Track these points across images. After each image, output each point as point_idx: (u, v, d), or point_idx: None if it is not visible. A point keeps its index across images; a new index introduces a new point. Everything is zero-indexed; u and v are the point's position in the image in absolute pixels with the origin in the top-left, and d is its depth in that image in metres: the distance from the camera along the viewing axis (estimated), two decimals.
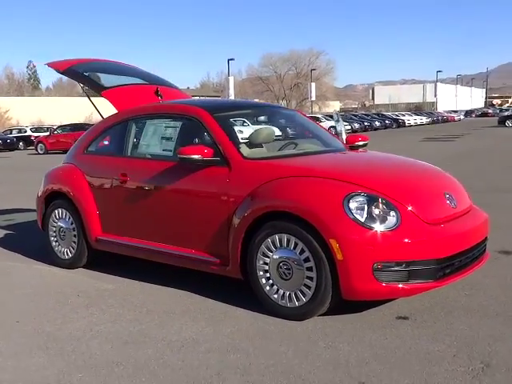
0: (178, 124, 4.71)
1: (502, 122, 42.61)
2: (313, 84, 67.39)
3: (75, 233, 5.24)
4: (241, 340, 3.47)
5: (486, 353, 3.16)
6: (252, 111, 5.14)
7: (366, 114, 48.79)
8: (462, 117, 68.66)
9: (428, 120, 55.84)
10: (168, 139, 4.71)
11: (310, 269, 3.63)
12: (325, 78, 79.73)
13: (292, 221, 3.67)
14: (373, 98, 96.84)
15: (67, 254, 5.35)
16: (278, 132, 5.12)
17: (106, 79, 5.69)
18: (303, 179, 3.83)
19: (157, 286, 4.68)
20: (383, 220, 3.53)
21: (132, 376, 3.06)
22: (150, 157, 4.78)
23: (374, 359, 3.13)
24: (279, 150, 4.89)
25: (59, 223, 5.39)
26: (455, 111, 73.35)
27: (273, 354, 3.25)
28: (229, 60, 55.60)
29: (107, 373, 3.11)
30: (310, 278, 3.63)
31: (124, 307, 4.21)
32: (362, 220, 3.50)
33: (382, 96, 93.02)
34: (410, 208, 3.64)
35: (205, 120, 4.41)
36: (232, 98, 56.36)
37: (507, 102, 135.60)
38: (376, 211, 3.55)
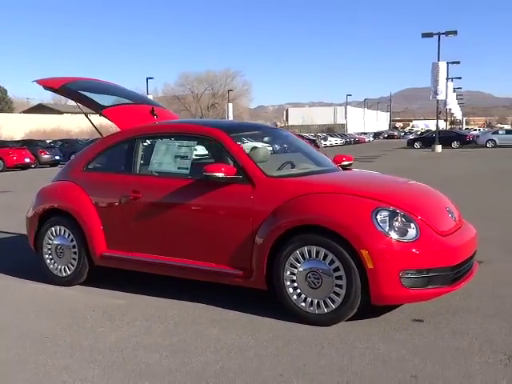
0: (193, 143, 4.90)
1: (410, 143, 45.46)
2: (230, 104, 68.30)
3: (75, 250, 5.25)
4: (283, 345, 3.72)
5: (504, 346, 3.61)
6: (259, 132, 5.42)
7: None
8: (371, 139, 72.33)
9: (342, 141, 58.35)
10: (183, 158, 4.88)
11: (339, 277, 3.95)
12: (241, 98, 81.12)
13: (322, 234, 3.99)
14: (287, 119, 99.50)
15: (65, 271, 5.33)
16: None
17: (102, 98, 5.77)
18: (331, 195, 4.17)
19: (166, 300, 4.79)
20: (405, 232, 3.94)
21: (198, 381, 3.22)
22: (164, 175, 4.91)
23: (413, 356, 3.49)
24: (278, 169, 5.19)
25: (56, 241, 5.36)
26: (365, 133, 76.98)
27: (321, 356, 3.52)
28: (148, 78, 55.48)
29: (172, 379, 3.25)
30: (340, 286, 3.96)
31: (148, 320, 4.31)
32: (389, 232, 3.89)
33: (296, 117, 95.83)
34: (425, 221, 4.07)
35: (223, 140, 4.65)
36: None
37: (408, 125, 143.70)
38: (399, 224, 3.96)
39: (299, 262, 4.10)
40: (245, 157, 4.55)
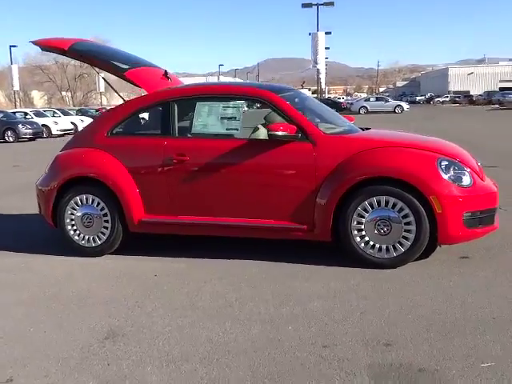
0: (241, 104, 4.96)
1: None
2: (101, 74, 65.32)
3: (107, 218, 5.11)
4: (373, 286, 4.06)
5: None
6: (293, 93, 5.53)
7: None
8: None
9: None
10: (231, 119, 4.92)
11: (407, 223, 4.36)
12: None
13: (393, 184, 4.35)
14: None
15: (94, 241, 5.18)
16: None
17: (115, 60, 5.57)
18: (395, 149, 4.52)
19: (218, 260, 4.87)
20: (461, 179, 4.43)
21: (331, 323, 3.47)
22: (212, 136, 4.93)
23: (494, 280, 4.03)
24: None
25: (81, 211, 5.17)
26: None
27: (414, 293, 3.91)
28: (11, 46, 51.29)
29: (307, 324, 3.46)
30: (408, 231, 4.36)
31: (223, 279, 4.39)
32: (452, 179, 4.36)
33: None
34: (472, 169, 4.59)
35: (276, 101, 4.79)
36: (16, 88, 52.14)
37: None
38: (456, 172, 4.43)
39: (367, 212, 4.43)
40: (301, 116, 4.74)
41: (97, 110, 37.69)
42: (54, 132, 26.96)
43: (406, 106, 45.35)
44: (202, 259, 4.96)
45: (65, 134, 27.57)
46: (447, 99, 67.50)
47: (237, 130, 4.90)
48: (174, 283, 4.35)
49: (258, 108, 5.32)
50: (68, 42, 5.48)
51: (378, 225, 4.43)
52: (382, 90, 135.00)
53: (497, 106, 48.09)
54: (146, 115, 5.30)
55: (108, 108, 43.82)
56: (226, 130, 4.92)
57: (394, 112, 43.41)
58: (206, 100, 5.04)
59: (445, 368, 2.80)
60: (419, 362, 2.89)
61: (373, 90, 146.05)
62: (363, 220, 4.45)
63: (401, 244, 4.41)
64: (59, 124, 27.46)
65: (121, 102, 5.65)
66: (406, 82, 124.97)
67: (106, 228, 5.14)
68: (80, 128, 29.23)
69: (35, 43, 5.60)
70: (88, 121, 30.43)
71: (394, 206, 4.38)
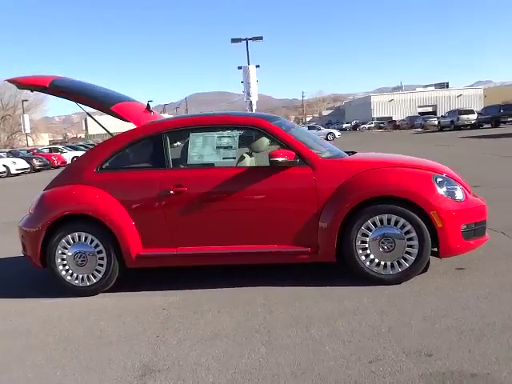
0: (236, 134, 5.00)
1: None
2: (26, 116, 63.78)
3: (102, 255, 4.98)
4: (388, 302, 4.16)
5: None
6: (280, 121, 5.59)
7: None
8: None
9: None
10: (227, 148, 4.95)
11: (410, 239, 4.51)
12: (36, 108, 76.12)
13: (394, 202, 4.51)
14: (86, 129, 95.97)
15: (89, 279, 5.02)
16: None
17: (99, 95, 5.50)
18: (393, 169, 4.69)
19: (214, 290, 4.86)
20: (455, 194, 4.65)
21: (369, 338, 3.53)
22: (209, 166, 4.93)
23: (498, 292, 4.21)
24: None
25: (73, 249, 5.01)
26: None
27: (425, 303, 4.05)
28: None
29: (334, 343, 3.50)
30: (411, 246, 4.52)
31: (235, 308, 4.37)
32: (448, 194, 4.57)
33: (95, 126, 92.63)
34: (462, 184, 4.85)
35: (272, 129, 4.89)
36: None
37: None
38: (451, 188, 4.66)
39: (371, 231, 4.56)
40: (298, 142, 4.84)
41: (28, 151, 36.50)
42: None
43: (337, 133, 46.84)
44: (203, 289, 4.90)
45: None
46: (372, 125, 70.15)
47: (233, 158, 4.95)
48: (187, 315, 4.28)
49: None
50: (47, 79, 5.39)
51: (382, 242, 4.56)
52: (308, 119, 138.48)
53: (419, 129, 50.54)
54: (133, 149, 5.20)
55: (40, 147, 42.16)
56: (223, 159, 4.96)
57: (327, 139, 44.61)
58: (200, 131, 5.06)
59: (495, 371, 2.92)
60: (467, 368, 2.99)
61: (299, 119, 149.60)
62: (367, 239, 4.58)
63: (405, 259, 4.55)
64: None
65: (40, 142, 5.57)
66: (331, 111, 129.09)
67: (102, 265, 5.00)
68: (12, 170, 28.21)
69: (12, 81, 5.46)
70: (21, 163, 29.44)
71: (397, 223, 4.53)
